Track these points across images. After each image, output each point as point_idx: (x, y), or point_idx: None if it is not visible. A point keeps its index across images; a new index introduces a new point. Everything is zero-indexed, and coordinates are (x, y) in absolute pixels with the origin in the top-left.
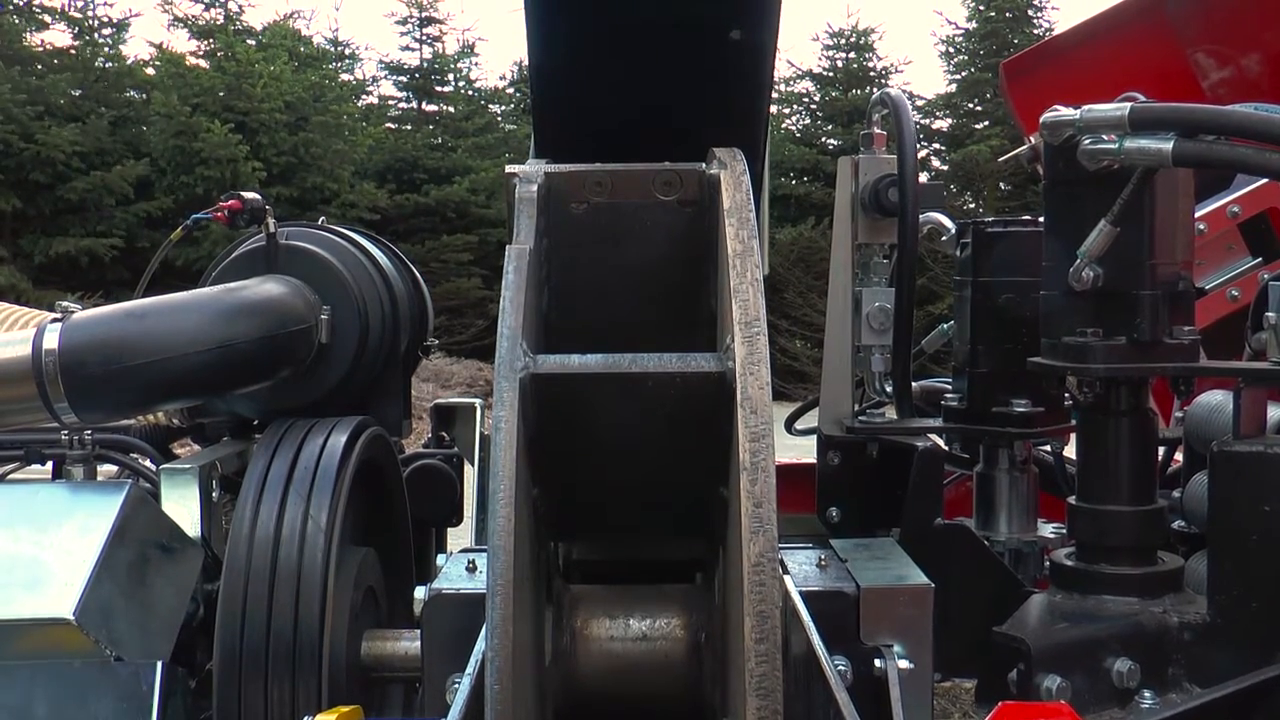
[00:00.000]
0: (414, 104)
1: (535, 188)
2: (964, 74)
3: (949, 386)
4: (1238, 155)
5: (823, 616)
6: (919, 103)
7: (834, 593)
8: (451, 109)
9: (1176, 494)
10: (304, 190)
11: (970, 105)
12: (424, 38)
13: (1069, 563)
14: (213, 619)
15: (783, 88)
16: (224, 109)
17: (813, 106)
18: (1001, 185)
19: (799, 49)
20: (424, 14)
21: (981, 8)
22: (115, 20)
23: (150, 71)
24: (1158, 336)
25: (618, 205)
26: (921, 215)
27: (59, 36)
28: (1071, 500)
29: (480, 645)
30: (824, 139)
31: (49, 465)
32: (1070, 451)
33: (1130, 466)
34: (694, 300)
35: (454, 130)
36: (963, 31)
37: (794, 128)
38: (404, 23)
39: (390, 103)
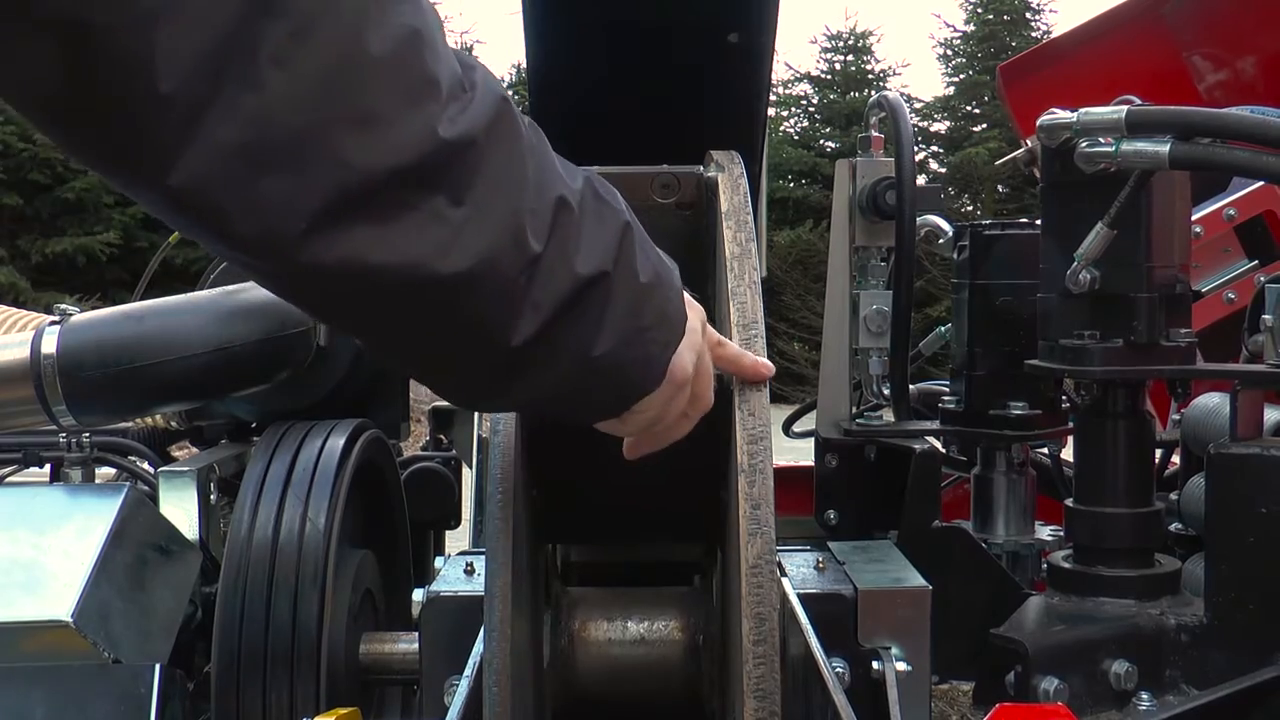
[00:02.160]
0: None
1: None
2: (962, 77)
3: (946, 389)
4: (1234, 158)
5: (821, 618)
6: (917, 105)
7: (832, 595)
8: None
9: (1174, 496)
10: None
11: (968, 108)
12: None
13: (1066, 565)
14: (211, 621)
15: (780, 90)
16: None
17: (811, 109)
18: (999, 188)
19: (797, 51)
20: None
21: (979, 10)
22: None
23: None
24: (1155, 339)
25: None
26: (919, 218)
27: None
28: (1069, 503)
29: (478, 647)
30: (822, 141)
31: (47, 468)
32: (1068, 454)
33: (1127, 469)
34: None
35: None
36: (960, 34)
37: (792, 130)
38: None
39: None
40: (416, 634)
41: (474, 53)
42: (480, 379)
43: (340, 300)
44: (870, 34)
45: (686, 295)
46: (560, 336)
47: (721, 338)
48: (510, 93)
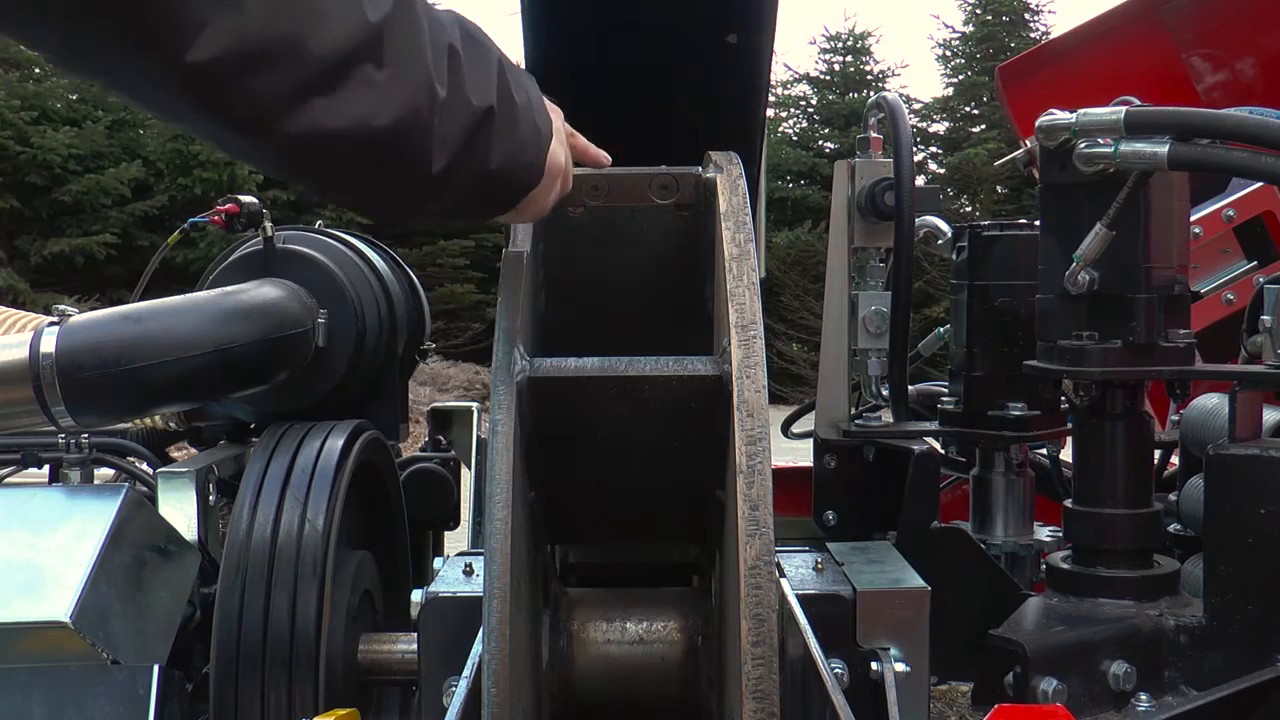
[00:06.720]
0: None
1: None
2: (961, 78)
3: (945, 390)
4: (1233, 159)
5: (819, 619)
6: (915, 106)
7: (830, 596)
8: None
9: (1172, 497)
10: (301, 194)
11: (967, 109)
12: None
13: (1065, 566)
14: (209, 622)
15: (779, 91)
16: None
17: (809, 110)
18: (998, 189)
19: (796, 52)
20: None
21: (978, 11)
22: None
23: None
24: (1153, 340)
25: (614, 209)
26: (918, 219)
27: None
28: (1067, 503)
29: (477, 648)
30: (821, 142)
31: (45, 469)
32: (1066, 455)
33: (1126, 469)
34: (691, 304)
35: None
36: (959, 35)
37: (791, 131)
38: None
39: None
40: (415, 635)
41: None
42: (411, 204)
43: (312, 162)
44: (869, 35)
45: (544, 99)
46: (465, 160)
47: (571, 130)
48: None
